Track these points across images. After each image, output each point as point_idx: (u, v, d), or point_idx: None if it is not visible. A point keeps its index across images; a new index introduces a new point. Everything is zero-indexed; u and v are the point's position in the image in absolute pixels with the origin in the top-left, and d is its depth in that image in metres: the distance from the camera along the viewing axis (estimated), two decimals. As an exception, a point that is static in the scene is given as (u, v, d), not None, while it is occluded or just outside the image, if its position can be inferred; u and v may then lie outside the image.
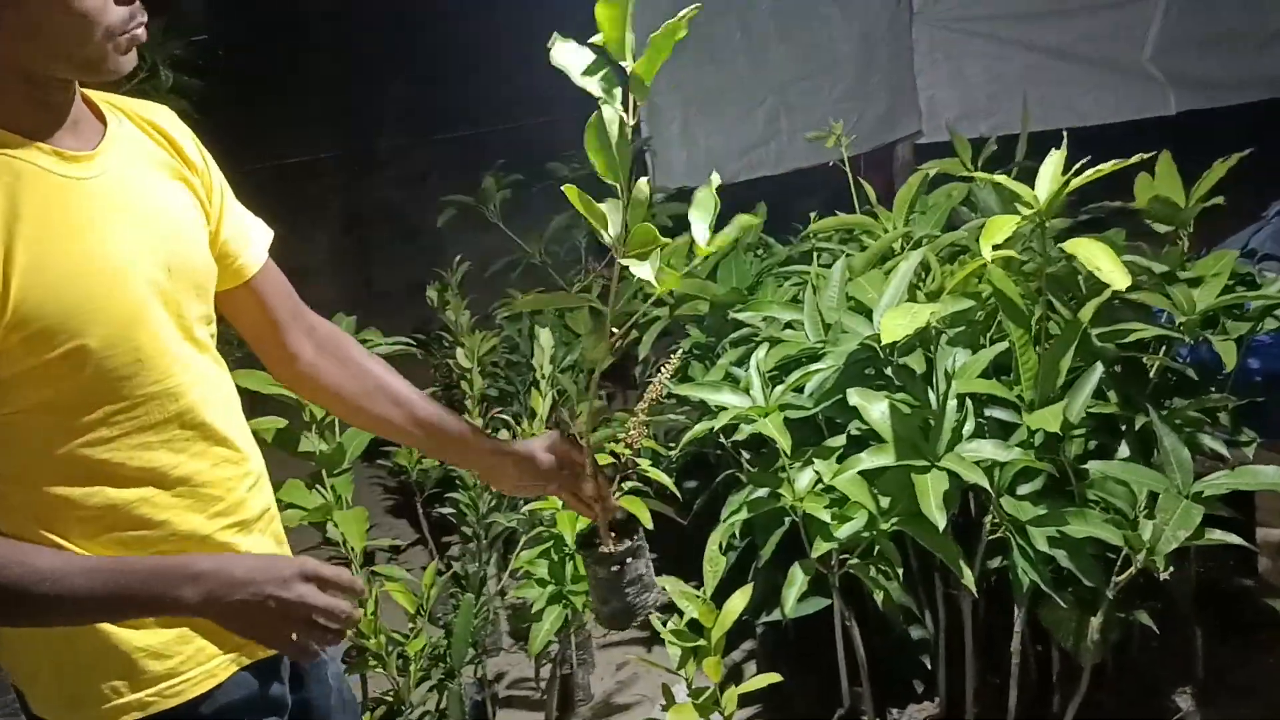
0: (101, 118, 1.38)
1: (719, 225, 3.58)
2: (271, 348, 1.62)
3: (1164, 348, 2.43)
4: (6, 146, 1.24)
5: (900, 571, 2.28)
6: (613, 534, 1.65)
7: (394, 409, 1.65)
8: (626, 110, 1.37)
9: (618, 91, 1.37)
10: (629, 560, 1.61)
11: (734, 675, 3.26)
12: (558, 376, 3.42)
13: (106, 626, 1.33)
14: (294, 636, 1.30)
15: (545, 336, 3.11)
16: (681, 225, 3.69)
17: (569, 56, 1.38)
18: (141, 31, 1.30)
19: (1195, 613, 2.68)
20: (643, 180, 1.44)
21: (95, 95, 1.39)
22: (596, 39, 1.36)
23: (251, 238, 1.58)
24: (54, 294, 1.22)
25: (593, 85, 1.36)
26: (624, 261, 1.38)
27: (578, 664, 3.10)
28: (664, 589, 1.90)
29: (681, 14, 1.34)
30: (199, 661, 1.39)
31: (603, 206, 1.39)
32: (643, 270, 1.37)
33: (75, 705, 1.35)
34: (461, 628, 2.50)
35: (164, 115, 1.49)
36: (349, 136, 5.86)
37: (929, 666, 2.67)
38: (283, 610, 1.27)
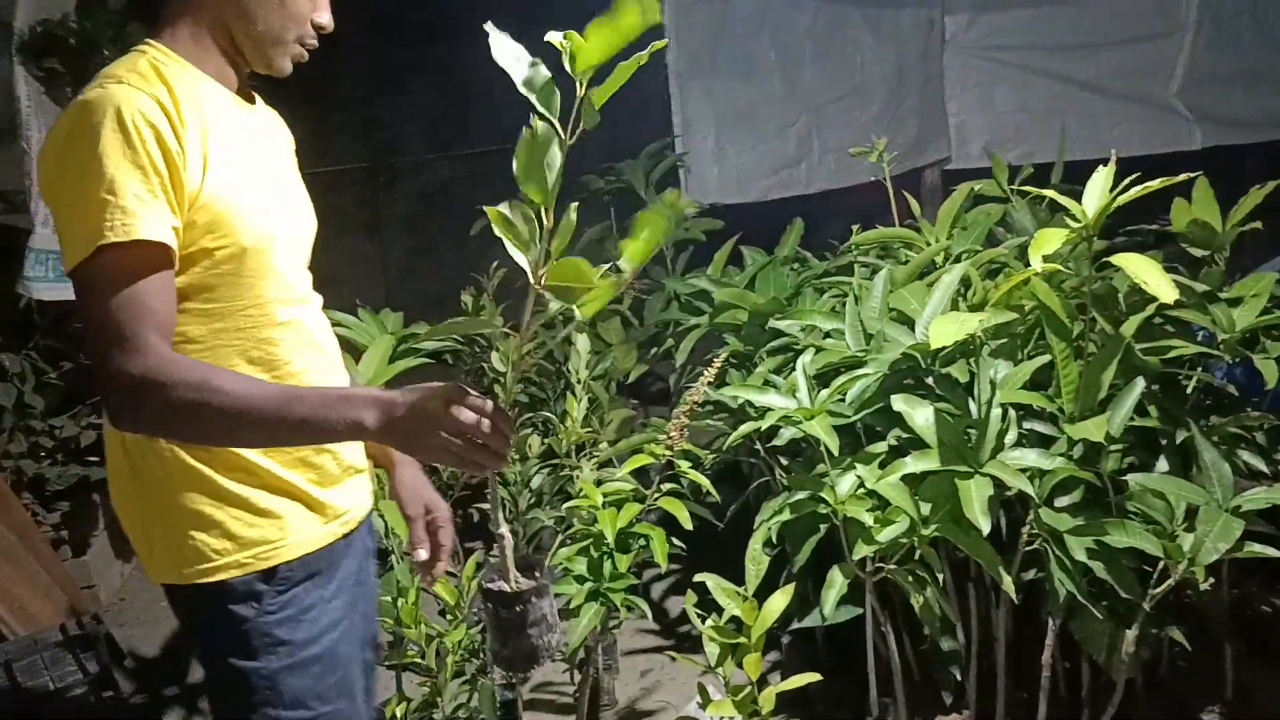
0: (251, 98, 1.68)
1: (750, 244, 3.64)
2: None
3: (1202, 366, 2.46)
4: (199, 78, 1.53)
5: (940, 578, 2.30)
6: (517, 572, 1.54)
7: None
8: (566, 128, 1.28)
9: (555, 101, 1.28)
10: (533, 600, 1.50)
11: (761, 681, 3.27)
12: (590, 384, 3.46)
13: (210, 494, 1.53)
14: (459, 455, 1.37)
15: (582, 342, 3.15)
16: (716, 241, 3.76)
17: (509, 56, 1.29)
18: (308, 53, 1.62)
19: (1227, 632, 2.69)
20: (571, 207, 1.35)
21: None
22: (554, 36, 1.26)
23: None
24: (229, 192, 1.48)
25: (531, 95, 1.28)
26: (539, 290, 1.31)
27: (604, 669, 3.11)
28: (565, 630, 1.85)
29: (651, 46, 1.28)
30: (289, 532, 1.57)
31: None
32: (555, 303, 1.33)
33: (184, 562, 1.53)
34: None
35: (278, 117, 1.79)
36: (381, 148, 5.92)
37: (959, 678, 2.69)
38: (452, 430, 1.34)
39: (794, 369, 2.51)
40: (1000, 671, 2.55)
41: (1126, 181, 2.18)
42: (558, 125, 1.28)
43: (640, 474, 2.51)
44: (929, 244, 2.84)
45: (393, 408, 1.36)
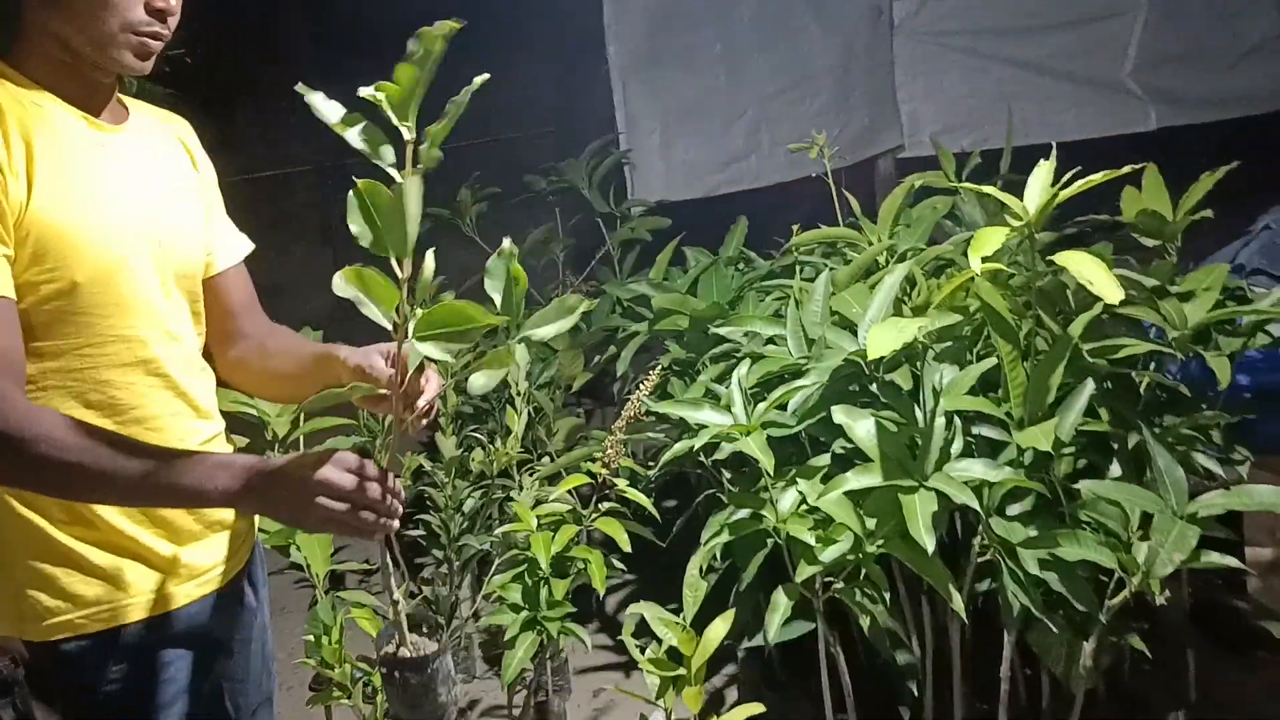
0: (122, 113, 1.58)
1: (700, 242, 3.54)
2: (219, 336, 1.74)
3: (1155, 364, 2.37)
4: (39, 98, 1.44)
5: (887, 595, 2.21)
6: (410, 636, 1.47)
7: (293, 362, 1.72)
8: (405, 170, 1.24)
9: (387, 151, 1.25)
10: (440, 658, 1.46)
11: (715, 701, 3.18)
12: (533, 394, 3.35)
13: (44, 548, 1.43)
14: (342, 522, 1.32)
15: (520, 353, 3.02)
16: (661, 240, 3.66)
17: (331, 116, 1.26)
18: (156, 42, 1.48)
19: (1189, 636, 2.61)
20: (429, 254, 1.38)
21: (128, 100, 1.62)
22: (368, 91, 1.23)
23: (226, 244, 1.76)
24: (59, 220, 1.38)
25: (357, 141, 1.24)
26: (411, 344, 1.28)
27: (554, 690, 3.01)
28: (461, 679, 1.76)
29: (475, 80, 1.25)
30: (132, 593, 1.48)
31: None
32: (432, 350, 1.28)
33: (22, 619, 1.43)
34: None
35: (183, 125, 1.73)
36: (320, 149, 5.77)
37: (915, 693, 2.60)
38: (331, 496, 1.30)
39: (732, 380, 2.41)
40: (956, 684, 2.46)
41: (1069, 175, 2.08)
42: (398, 173, 1.24)
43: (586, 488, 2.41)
44: (870, 243, 2.73)
45: (263, 476, 1.30)
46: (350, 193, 1.22)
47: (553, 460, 3.01)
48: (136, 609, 1.48)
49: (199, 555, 1.55)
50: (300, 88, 1.25)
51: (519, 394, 3.02)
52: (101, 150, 1.49)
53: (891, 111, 5.06)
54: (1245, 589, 3.05)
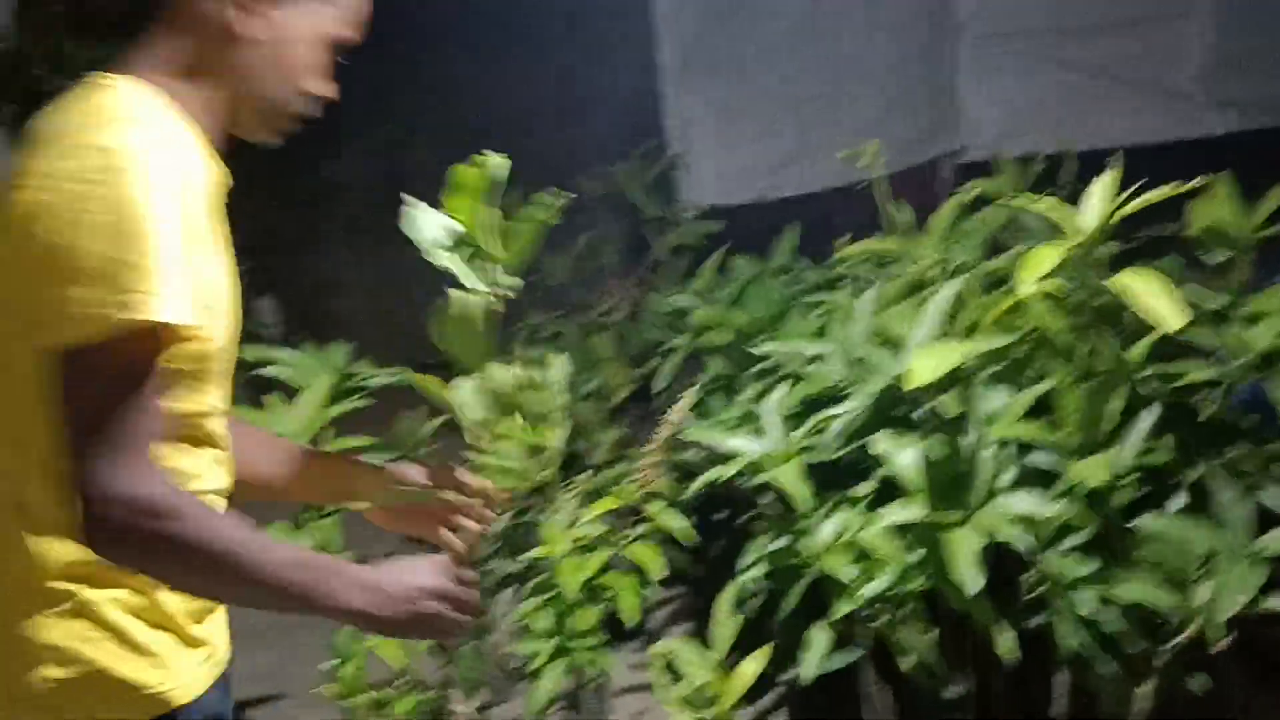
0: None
1: (755, 249, 3.43)
2: None
3: (1221, 390, 2.24)
4: (199, 137, 1.30)
5: (930, 635, 2.10)
6: None
7: (282, 464, 1.57)
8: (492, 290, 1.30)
9: (475, 278, 1.30)
10: None
11: (760, 725, 3.09)
12: (574, 406, 3.27)
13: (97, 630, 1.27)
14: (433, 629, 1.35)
15: (557, 364, 2.95)
16: (712, 244, 3.56)
17: (422, 228, 1.30)
18: (308, 113, 1.37)
19: (1233, 666, 2.46)
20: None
21: None
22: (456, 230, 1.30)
23: None
24: (218, 286, 1.28)
25: (450, 263, 1.30)
26: (480, 460, 1.35)
27: (593, 714, 2.94)
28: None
29: (552, 202, 1.31)
30: (176, 677, 1.32)
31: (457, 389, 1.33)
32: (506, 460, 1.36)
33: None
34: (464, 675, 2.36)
35: None
36: (365, 154, 5.76)
37: (963, 727, 2.49)
38: (429, 619, 1.31)
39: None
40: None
41: (1131, 190, 1.97)
42: (484, 289, 1.30)
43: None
44: (921, 258, 2.62)
45: (371, 591, 1.27)
46: (438, 306, 1.29)
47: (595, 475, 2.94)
48: (180, 693, 1.31)
49: (217, 631, 1.40)
50: (408, 201, 1.31)
51: (558, 407, 2.94)
52: (224, 210, 1.36)
53: (950, 113, 4.91)
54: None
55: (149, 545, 1.18)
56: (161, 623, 1.30)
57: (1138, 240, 2.88)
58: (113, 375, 1.16)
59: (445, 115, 5.54)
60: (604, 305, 3.83)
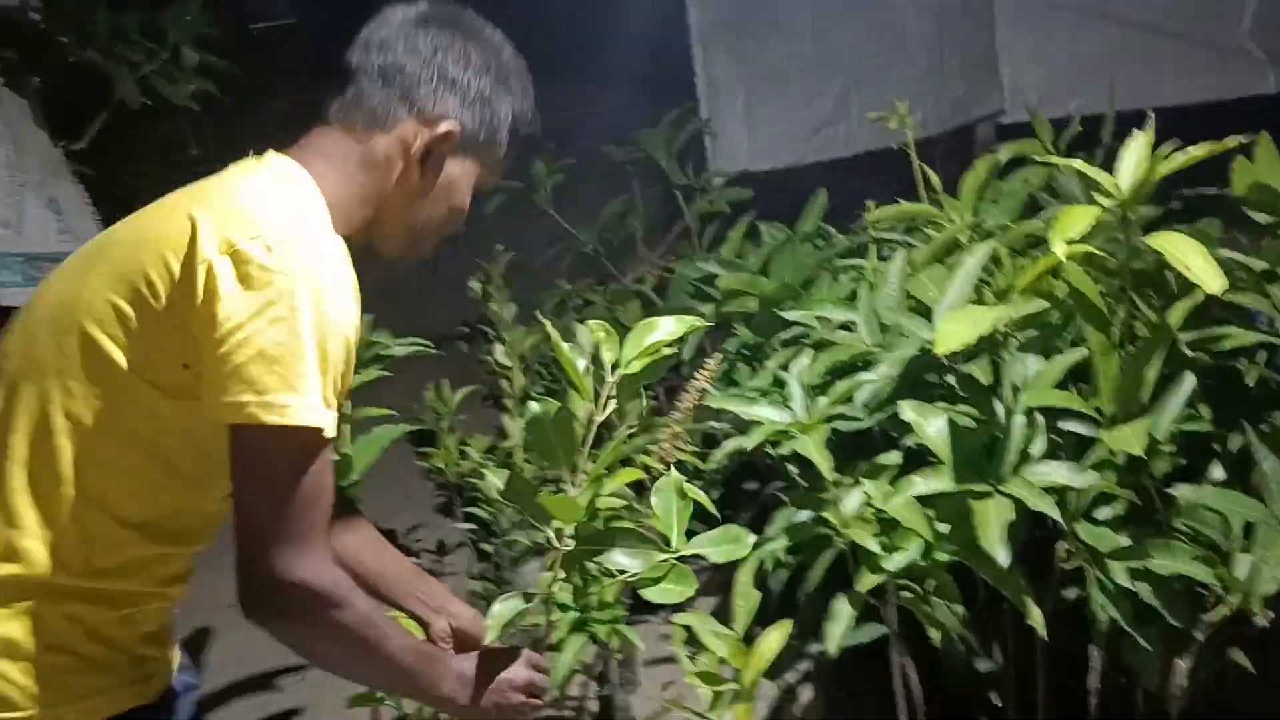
0: None
1: (786, 217, 3.36)
2: None
3: (1265, 355, 2.15)
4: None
5: (960, 608, 2.04)
6: None
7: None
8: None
9: (590, 385, 1.53)
10: None
11: (788, 697, 3.05)
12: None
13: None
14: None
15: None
16: (745, 212, 3.49)
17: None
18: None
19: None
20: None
21: None
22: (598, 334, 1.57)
23: None
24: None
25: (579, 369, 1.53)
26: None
27: (620, 683, 2.91)
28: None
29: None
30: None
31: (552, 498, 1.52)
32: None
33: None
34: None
35: None
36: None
37: (998, 703, 2.43)
38: (512, 709, 1.53)
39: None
40: (1040, 696, 2.29)
41: (1170, 149, 1.88)
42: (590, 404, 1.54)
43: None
44: (952, 221, 2.54)
45: (468, 683, 1.48)
46: (528, 409, 1.49)
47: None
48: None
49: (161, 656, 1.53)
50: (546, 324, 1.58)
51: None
52: None
53: (992, 75, 4.79)
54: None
55: (317, 629, 1.30)
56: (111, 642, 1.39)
57: (1183, 201, 2.79)
58: (301, 470, 1.26)
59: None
60: (633, 273, 3.77)
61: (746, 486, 3.02)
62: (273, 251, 1.22)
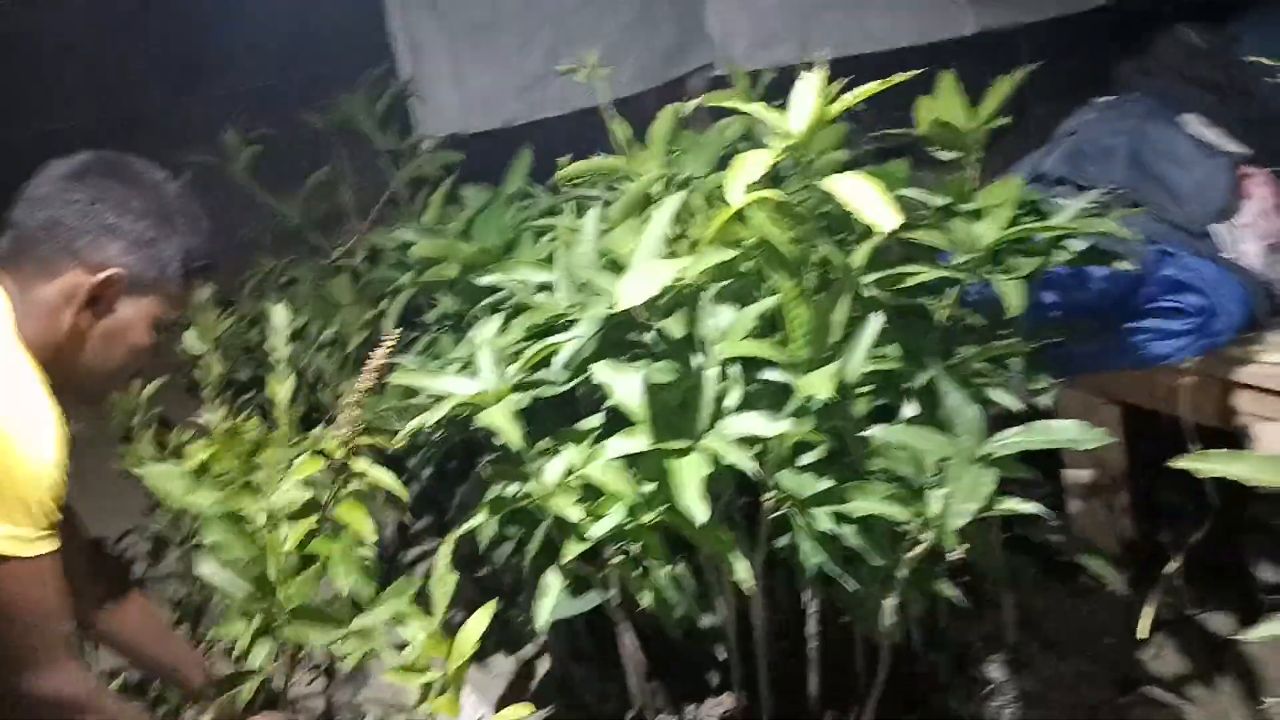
0: None
1: (495, 178, 3.23)
2: None
3: (952, 290, 2.18)
4: None
5: (669, 568, 2.00)
6: None
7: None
8: None
9: None
10: None
11: (526, 672, 2.98)
12: (309, 356, 3.05)
13: None
14: None
15: (278, 314, 2.71)
16: (460, 178, 3.34)
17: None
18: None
19: (1001, 572, 2.46)
20: None
21: None
22: None
23: None
24: None
25: None
26: None
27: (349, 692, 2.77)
28: None
29: None
30: None
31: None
32: None
33: None
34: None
35: None
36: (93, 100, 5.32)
37: (722, 657, 2.42)
38: None
39: (505, 331, 2.16)
40: (759, 645, 2.28)
41: (838, 86, 1.86)
42: None
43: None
44: (642, 174, 2.47)
45: None
46: None
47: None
48: None
49: None
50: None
51: (280, 360, 2.71)
52: None
53: (700, 27, 4.77)
54: (1065, 510, 2.92)
55: None
56: None
57: (877, 144, 2.81)
58: (46, 593, 1.44)
59: (154, 56, 5.16)
60: (341, 246, 3.58)
61: (453, 466, 2.91)
62: None
